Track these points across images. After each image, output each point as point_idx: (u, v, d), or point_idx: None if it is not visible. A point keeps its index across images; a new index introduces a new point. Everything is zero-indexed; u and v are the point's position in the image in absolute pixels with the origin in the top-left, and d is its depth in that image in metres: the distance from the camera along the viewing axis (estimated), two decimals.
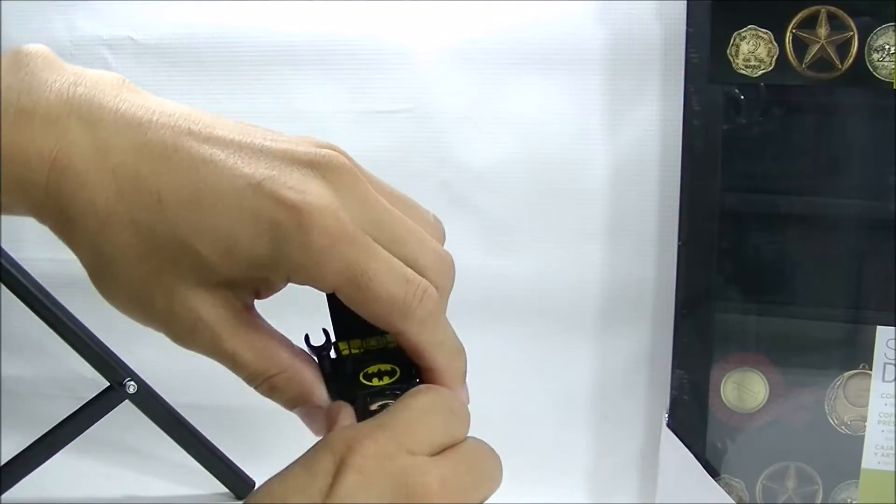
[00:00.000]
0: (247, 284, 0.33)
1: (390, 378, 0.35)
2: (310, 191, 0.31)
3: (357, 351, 0.36)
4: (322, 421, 0.34)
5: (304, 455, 0.31)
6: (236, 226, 0.31)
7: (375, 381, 0.35)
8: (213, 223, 0.31)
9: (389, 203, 0.34)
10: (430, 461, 0.31)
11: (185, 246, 0.31)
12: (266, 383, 0.34)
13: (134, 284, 0.31)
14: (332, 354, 0.36)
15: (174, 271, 0.31)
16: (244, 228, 0.31)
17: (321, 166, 0.32)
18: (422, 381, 0.35)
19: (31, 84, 0.30)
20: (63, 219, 0.31)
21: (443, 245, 0.37)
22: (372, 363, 0.35)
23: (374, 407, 0.34)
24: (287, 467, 0.30)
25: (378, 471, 0.30)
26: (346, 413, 0.34)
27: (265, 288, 0.34)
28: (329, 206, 0.31)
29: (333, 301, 0.35)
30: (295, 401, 0.34)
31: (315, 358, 0.36)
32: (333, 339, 0.36)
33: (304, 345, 0.36)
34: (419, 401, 0.33)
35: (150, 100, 0.32)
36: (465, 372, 0.37)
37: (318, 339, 0.36)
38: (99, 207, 0.30)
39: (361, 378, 0.35)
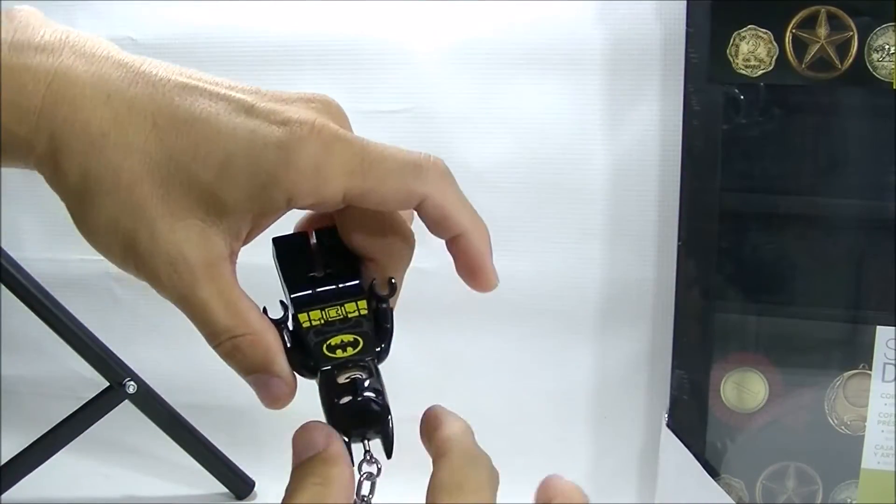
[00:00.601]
0: (240, 215, 0.32)
1: (354, 349, 0.34)
2: (304, 112, 0.32)
3: (318, 323, 0.35)
4: (276, 389, 0.33)
5: None
6: (231, 144, 0.31)
7: (339, 353, 0.34)
8: (210, 144, 0.31)
9: None
10: None
11: (180, 169, 0.31)
12: (230, 342, 0.32)
13: (118, 214, 0.31)
14: (291, 326, 0.35)
15: (164, 200, 0.31)
16: (241, 147, 0.31)
17: (312, 99, 0.33)
18: (384, 350, 0.35)
19: (25, 27, 0.31)
20: (53, 145, 0.30)
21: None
22: (334, 334, 0.34)
23: (342, 380, 0.33)
24: None
25: None
26: (322, 432, 0.32)
27: (256, 224, 0.33)
28: (323, 118, 0.32)
29: (285, 269, 0.35)
30: (254, 367, 0.33)
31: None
32: (292, 310, 0.35)
33: None
34: (455, 456, 0.33)
35: (140, 57, 0.33)
36: (491, 247, 0.37)
37: (275, 312, 0.35)
38: (93, 129, 0.30)
39: (325, 350, 0.34)
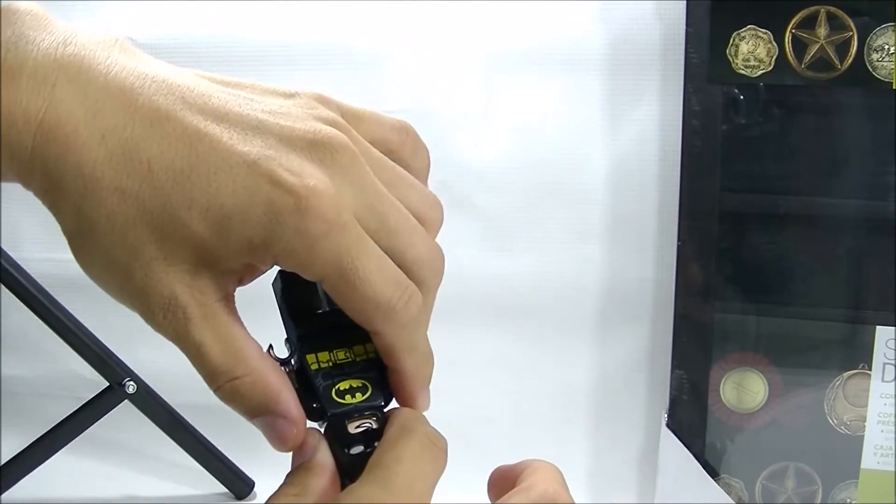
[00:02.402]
0: (232, 267, 0.31)
1: (362, 395, 0.34)
2: (307, 174, 0.30)
3: (327, 365, 0.34)
4: (284, 431, 0.32)
5: None
6: (229, 202, 0.29)
7: (349, 399, 0.33)
8: (206, 198, 0.29)
9: (389, 181, 0.33)
10: None
11: (174, 219, 0.30)
12: (229, 385, 0.31)
13: (114, 254, 0.30)
14: (296, 365, 0.34)
15: (158, 245, 0.30)
16: (238, 206, 0.30)
17: (320, 147, 0.31)
18: (390, 395, 0.34)
19: (17, 43, 0.29)
20: (48, 182, 0.30)
21: (440, 225, 0.36)
22: (343, 378, 0.34)
23: (352, 429, 0.33)
24: None
25: None
26: (324, 449, 0.32)
27: (249, 272, 0.33)
28: (326, 191, 0.30)
29: (290, 306, 0.34)
30: (257, 409, 0.32)
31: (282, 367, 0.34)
32: (298, 351, 0.34)
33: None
34: (408, 447, 0.32)
35: (143, 64, 0.31)
36: (431, 378, 0.36)
37: (281, 351, 0.34)
38: (86, 172, 0.29)
39: (333, 395, 0.33)
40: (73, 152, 0.29)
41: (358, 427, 0.33)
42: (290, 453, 0.33)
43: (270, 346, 0.34)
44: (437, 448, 0.33)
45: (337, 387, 0.34)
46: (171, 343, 0.32)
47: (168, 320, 0.31)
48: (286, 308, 0.35)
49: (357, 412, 0.33)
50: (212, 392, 0.32)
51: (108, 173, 0.29)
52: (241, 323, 0.32)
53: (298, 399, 0.33)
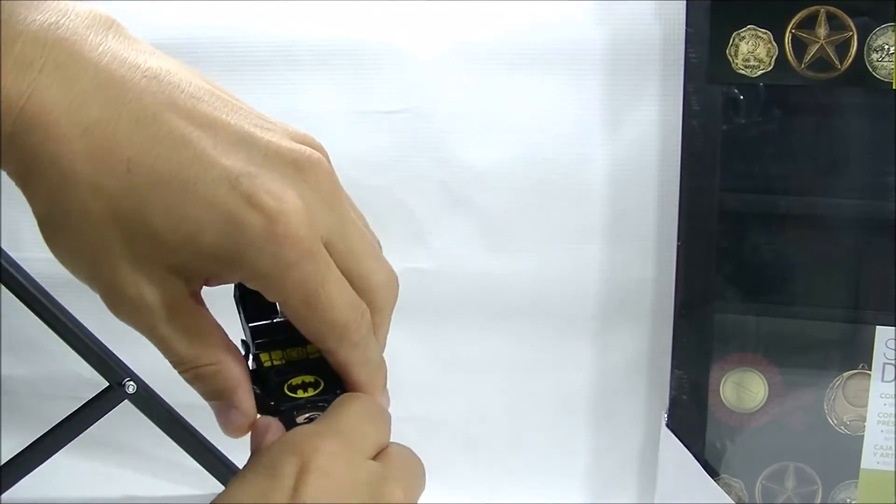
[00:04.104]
0: (198, 273, 0.32)
1: (314, 390, 0.35)
2: (287, 198, 0.30)
3: (279, 363, 0.35)
4: (235, 420, 0.34)
5: (262, 457, 0.31)
6: (205, 217, 0.29)
7: (300, 393, 0.35)
8: (182, 209, 0.29)
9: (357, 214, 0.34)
10: (383, 468, 0.32)
11: (146, 224, 0.29)
12: (192, 371, 0.33)
13: (83, 247, 0.30)
14: (252, 365, 0.35)
15: (127, 245, 0.30)
16: (213, 222, 0.30)
17: (303, 168, 0.31)
18: (344, 391, 0.35)
19: (7, 20, 0.28)
20: (23, 167, 0.29)
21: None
22: (295, 375, 0.35)
23: (300, 419, 0.34)
24: (245, 471, 0.30)
25: (343, 475, 0.30)
26: (276, 428, 0.33)
27: (216, 280, 0.33)
28: (303, 217, 0.30)
29: (247, 310, 0.36)
30: (215, 395, 0.34)
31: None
32: (253, 350, 0.35)
33: None
34: (353, 406, 0.33)
35: (136, 53, 0.30)
36: (385, 382, 0.37)
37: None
38: (63, 164, 0.28)
39: (286, 390, 0.34)
40: (53, 142, 0.28)
41: (305, 418, 0.34)
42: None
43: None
44: (381, 418, 0.34)
45: (289, 382, 0.35)
46: None
47: (134, 317, 0.32)
48: (243, 312, 0.36)
49: (309, 405, 0.34)
50: (179, 374, 0.33)
51: (86, 168, 0.29)
52: (208, 314, 0.33)
53: (254, 395, 0.34)
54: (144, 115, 0.29)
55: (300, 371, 0.35)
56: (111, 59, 0.29)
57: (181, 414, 0.77)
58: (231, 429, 0.34)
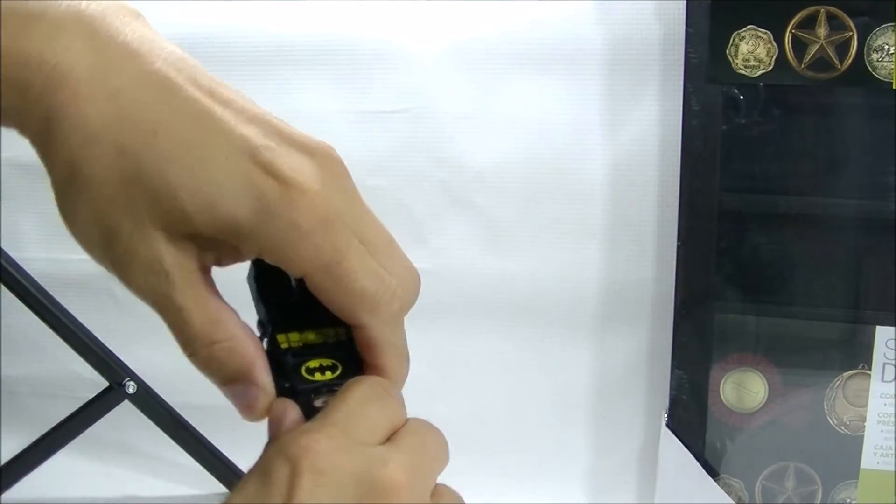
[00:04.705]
0: (213, 246, 0.32)
1: (332, 373, 0.34)
2: (303, 170, 0.31)
3: (297, 344, 0.34)
4: (255, 400, 0.33)
5: (257, 464, 0.30)
6: (225, 183, 0.30)
7: (318, 376, 0.34)
8: (203, 174, 0.30)
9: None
10: (387, 450, 0.31)
11: (167, 187, 0.30)
12: (206, 350, 0.32)
13: (102, 211, 0.30)
14: (267, 346, 0.34)
15: (147, 209, 0.30)
16: (232, 188, 0.30)
17: (316, 153, 0.32)
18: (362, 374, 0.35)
19: None
20: (46, 127, 0.29)
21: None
22: (313, 357, 0.34)
23: (318, 403, 0.33)
24: (243, 479, 0.30)
25: (335, 468, 0.29)
26: (293, 411, 0.33)
27: (229, 256, 0.33)
28: (319, 190, 0.31)
29: (263, 290, 0.35)
30: (232, 376, 0.32)
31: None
32: (270, 331, 0.35)
33: None
34: (356, 391, 0.33)
35: (160, 39, 0.32)
36: (406, 378, 0.36)
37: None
38: (89, 123, 0.29)
39: (303, 372, 0.34)
40: (81, 102, 0.29)
41: (323, 402, 0.33)
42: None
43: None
44: (389, 397, 0.33)
45: (307, 364, 0.34)
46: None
47: (150, 283, 0.31)
48: (258, 292, 0.35)
49: (326, 388, 0.33)
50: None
51: (111, 130, 0.29)
52: (219, 294, 0.33)
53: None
54: (169, 85, 0.30)
55: (318, 354, 0.34)
56: (139, 36, 0.31)
57: (181, 414, 0.77)
58: (252, 410, 0.33)
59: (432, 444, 0.33)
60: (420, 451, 0.32)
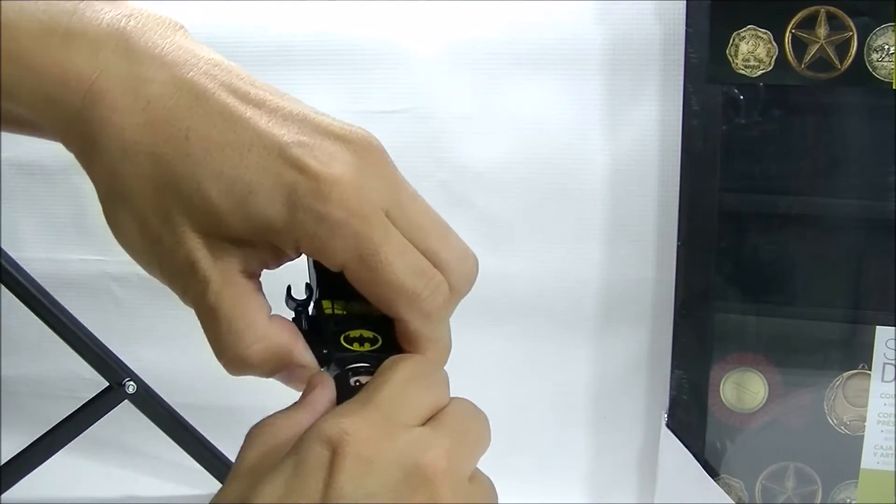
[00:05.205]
0: (255, 248, 0.32)
1: (371, 346, 0.34)
2: (335, 162, 0.31)
3: (340, 312, 0.34)
4: (301, 376, 0.33)
5: (292, 449, 0.30)
6: (255, 181, 0.30)
7: (356, 346, 0.34)
8: (233, 173, 0.30)
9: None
10: (430, 434, 0.31)
11: (199, 188, 0.30)
12: (238, 358, 0.32)
13: (143, 220, 0.31)
14: (312, 311, 0.34)
15: (184, 212, 0.31)
16: (262, 186, 0.30)
17: (352, 141, 0.32)
18: (400, 353, 0.34)
19: (85, 10, 0.31)
20: (88, 143, 0.31)
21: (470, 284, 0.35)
22: (355, 327, 0.34)
23: (353, 382, 0.33)
24: (279, 463, 0.29)
25: (378, 454, 0.29)
26: (327, 390, 0.33)
27: (273, 256, 0.33)
28: (351, 181, 0.31)
29: (318, 263, 0.34)
30: (273, 370, 0.33)
31: (294, 313, 0.34)
32: (317, 295, 0.34)
33: (286, 296, 0.34)
34: (399, 371, 0.32)
35: (199, 48, 0.33)
36: (446, 363, 0.36)
37: (300, 293, 0.35)
38: (126, 135, 0.30)
39: (342, 340, 0.34)
40: (117, 115, 0.30)
41: (356, 382, 0.33)
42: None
43: (289, 287, 0.34)
44: (432, 377, 0.33)
45: (347, 333, 0.34)
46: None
47: (190, 285, 0.31)
48: (313, 262, 0.35)
49: (362, 368, 0.33)
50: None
51: (147, 138, 0.30)
52: (261, 296, 0.33)
53: (307, 341, 0.33)
54: (203, 91, 0.31)
55: (360, 325, 0.34)
56: (176, 47, 0.32)
57: (181, 414, 0.77)
58: (300, 386, 0.33)
59: (475, 427, 0.33)
60: (462, 434, 0.32)
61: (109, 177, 0.31)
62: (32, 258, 0.75)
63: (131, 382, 0.73)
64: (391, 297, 0.32)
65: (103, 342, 0.73)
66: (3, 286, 0.71)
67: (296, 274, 0.35)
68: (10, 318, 0.87)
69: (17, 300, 0.71)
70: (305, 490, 0.28)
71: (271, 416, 0.32)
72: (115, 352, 0.74)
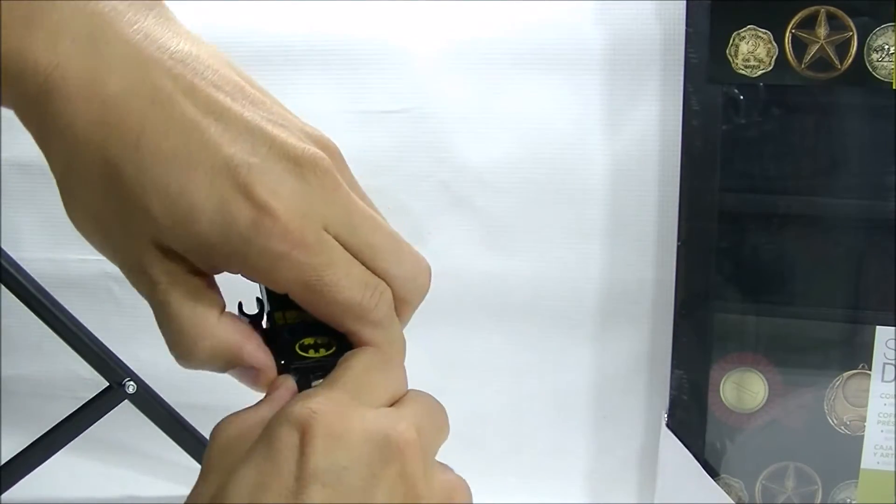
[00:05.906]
0: (198, 260, 0.32)
1: (327, 350, 0.34)
2: (282, 191, 0.30)
3: (294, 322, 0.34)
4: (255, 378, 0.33)
5: (261, 437, 0.30)
6: (198, 203, 0.30)
7: (312, 353, 0.34)
8: (178, 190, 0.29)
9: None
10: (397, 411, 0.31)
11: (143, 199, 0.30)
12: (188, 353, 0.32)
13: (96, 210, 0.31)
14: (265, 324, 0.35)
15: (130, 218, 0.30)
16: (205, 210, 0.30)
17: (304, 165, 0.31)
18: None
19: None
20: (43, 132, 0.30)
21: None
22: (308, 335, 0.34)
23: (315, 384, 0.33)
24: (248, 452, 0.29)
25: (348, 430, 0.29)
26: (290, 388, 0.33)
27: (216, 271, 0.33)
28: (297, 210, 0.30)
29: None
30: (224, 367, 0.33)
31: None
32: (268, 308, 0.35)
33: (238, 312, 0.35)
34: (359, 360, 0.33)
35: (170, 35, 0.31)
36: (403, 357, 0.37)
37: (251, 308, 0.35)
38: (78, 129, 0.29)
39: (297, 349, 0.34)
40: (71, 109, 0.29)
41: (319, 383, 0.33)
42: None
43: (240, 304, 0.34)
44: (392, 366, 0.34)
45: (301, 342, 0.34)
46: None
47: (140, 284, 0.32)
48: None
49: (320, 366, 0.34)
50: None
51: (99, 139, 0.29)
52: (213, 292, 0.33)
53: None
54: (161, 96, 0.30)
55: (314, 332, 0.34)
56: (143, 37, 0.30)
57: (181, 414, 0.77)
58: (255, 387, 0.34)
59: (436, 413, 0.34)
60: (425, 416, 0.32)
61: (63, 167, 0.30)
62: (32, 258, 0.75)
63: (131, 382, 0.73)
64: (338, 315, 0.32)
65: (103, 342, 0.73)
66: (3, 286, 0.71)
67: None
68: (10, 318, 0.87)
69: (17, 300, 0.71)
70: (279, 472, 0.28)
71: (234, 412, 0.32)
72: (115, 352, 0.74)
